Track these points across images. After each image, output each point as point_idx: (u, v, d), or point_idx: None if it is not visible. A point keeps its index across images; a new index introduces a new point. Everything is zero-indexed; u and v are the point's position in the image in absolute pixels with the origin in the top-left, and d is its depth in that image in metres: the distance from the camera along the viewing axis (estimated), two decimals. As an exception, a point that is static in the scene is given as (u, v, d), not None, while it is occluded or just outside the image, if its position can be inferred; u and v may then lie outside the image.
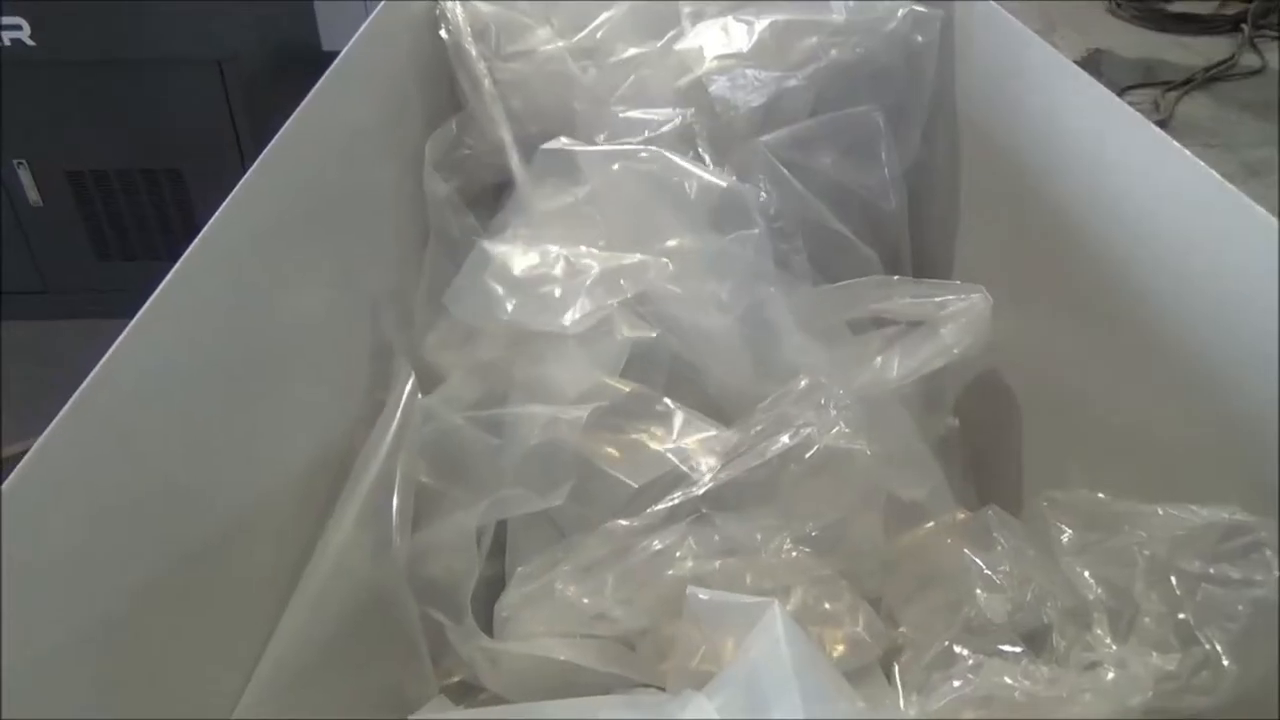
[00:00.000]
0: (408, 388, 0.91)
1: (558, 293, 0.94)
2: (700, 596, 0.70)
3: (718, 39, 1.16)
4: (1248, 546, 0.58)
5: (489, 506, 0.85)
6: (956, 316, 0.90)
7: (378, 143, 1.14)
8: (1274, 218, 0.71)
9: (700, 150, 1.13)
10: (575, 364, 0.92)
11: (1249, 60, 4.39)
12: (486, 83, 1.20)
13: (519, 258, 0.98)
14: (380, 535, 0.82)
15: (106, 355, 0.59)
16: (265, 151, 0.83)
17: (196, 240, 0.71)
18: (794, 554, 0.79)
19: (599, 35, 1.22)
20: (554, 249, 0.98)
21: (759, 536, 0.79)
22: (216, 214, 0.74)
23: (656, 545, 0.79)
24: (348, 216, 1.04)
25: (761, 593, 0.75)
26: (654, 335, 0.95)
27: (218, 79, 1.96)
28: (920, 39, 1.19)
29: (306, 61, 2.59)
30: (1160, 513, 0.64)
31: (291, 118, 0.90)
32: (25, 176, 2.06)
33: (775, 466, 0.81)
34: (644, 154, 1.03)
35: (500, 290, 0.96)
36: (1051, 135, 1.07)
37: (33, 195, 2.08)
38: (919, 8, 1.19)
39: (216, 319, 0.73)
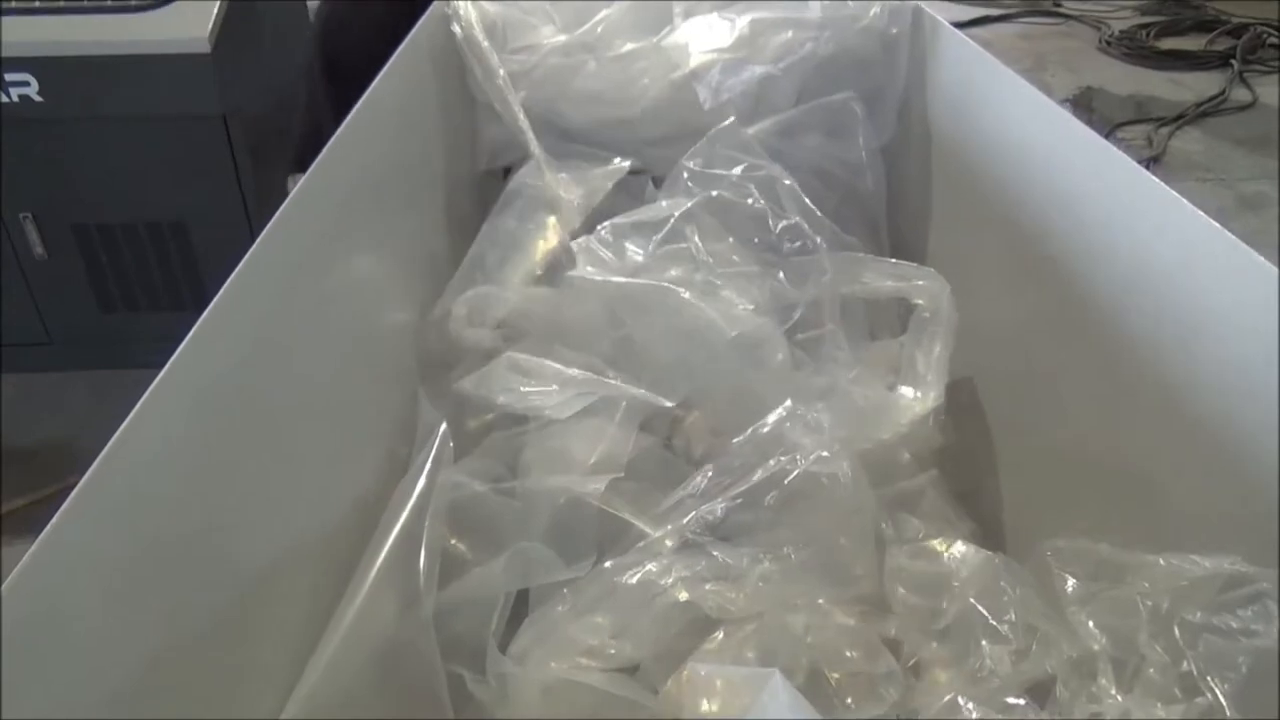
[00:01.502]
0: (434, 449, 0.92)
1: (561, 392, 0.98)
2: (701, 671, 0.71)
3: (704, 35, 1.26)
4: (1249, 597, 0.59)
5: (515, 571, 0.87)
6: (923, 291, 1.00)
7: (399, 180, 1.17)
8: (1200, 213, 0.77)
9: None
10: (588, 436, 0.95)
11: (1240, 95, 4.45)
12: (501, 71, 1.28)
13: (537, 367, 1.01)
14: (407, 593, 0.83)
15: (126, 422, 0.59)
16: (280, 212, 0.84)
17: (212, 303, 0.72)
18: (782, 577, 0.80)
19: (599, 31, 1.32)
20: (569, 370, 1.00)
21: (745, 561, 0.80)
22: (231, 277, 0.75)
23: (646, 574, 0.80)
24: (366, 265, 1.06)
25: (751, 615, 0.76)
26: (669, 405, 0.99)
27: (222, 133, 1.98)
28: (894, 30, 1.31)
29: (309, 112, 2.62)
30: (1162, 563, 0.64)
31: (315, 162, 0.91)
32: (30, 230, 2.08)
33: (760, 493, 0.83)
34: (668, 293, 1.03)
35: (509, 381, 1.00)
36: (1026, 164, 1.10)
37: (37, 249, 2.09)
38: (892, 2, 1.29)
39: (236, 379, 0.74)
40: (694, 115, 1.25)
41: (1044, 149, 1.05)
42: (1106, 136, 3.86)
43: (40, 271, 2.16)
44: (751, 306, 1.02)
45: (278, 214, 0.84)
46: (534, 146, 1.28)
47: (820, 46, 1.25)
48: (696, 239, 1.07)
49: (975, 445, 1.10)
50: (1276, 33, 4.94)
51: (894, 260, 1.07)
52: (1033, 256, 1.05)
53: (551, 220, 1.24)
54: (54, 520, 0.53)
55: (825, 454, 0.83)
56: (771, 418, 0.88)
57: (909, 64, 1.35)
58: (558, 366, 1.01)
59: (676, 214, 1.09)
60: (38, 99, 1.90)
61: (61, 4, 1.91)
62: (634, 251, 1.08)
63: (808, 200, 1.14)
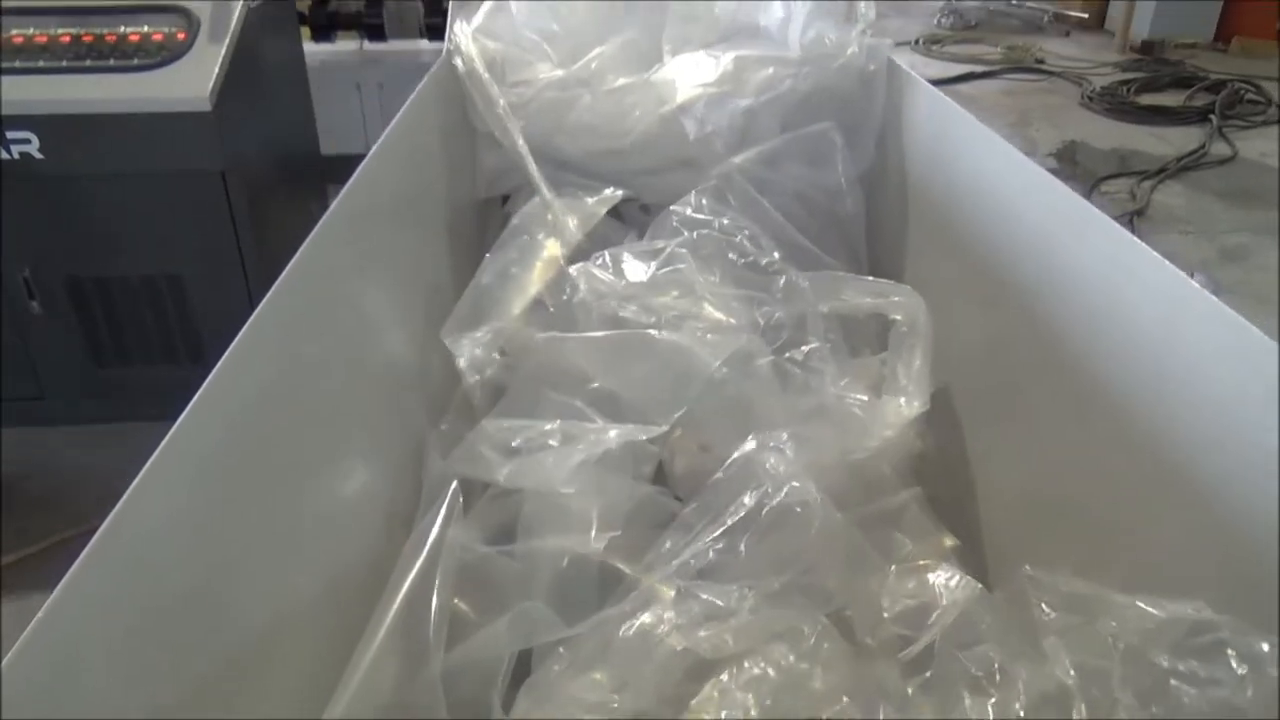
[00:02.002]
0: (443, 508, 0.92)
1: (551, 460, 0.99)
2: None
3: (691, 72, 1.35)
4: (1213, 645, 0.60)
5: (519, 632, 0.87)
6: (908, 303, 1.06)
7: (407, 217, 1.19)
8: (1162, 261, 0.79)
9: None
10: (586, 489, 0.96)
11: (1220, 149, 4.55)
12: (501, 101, 1.36)
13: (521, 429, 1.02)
14: (415, 653, 0.82)
15: (132, 486, 0.60)
16: (282, 276, 0.85)
17: (218, 365, 0.73)
18: (768, 605, 0.82)
19: (593, 66, 1.41)
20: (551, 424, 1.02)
21: (734, 598, 0.82)
22: (236, 340, 0.76)
23: (641, 626, 0.81)
24: (370, 314, 1.07)
25: (745, 651, 0.77)
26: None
27: (220, 188, 2.00)
28: (872, 67, 1.41)
29: (306, 166, 2.65)
30: (1133, 604, 0.66)
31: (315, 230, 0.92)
32: (26, 284, 2.09)
33: (739, 530, 0.85)
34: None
35: (497, 458, 1.01)
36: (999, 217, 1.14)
37: (33, 303, 2.10)
38: (870, 40, 1.38)
39: (241, 441, 0.74)
40: (682, 147, 1.35)
41: (1003, 187, 1.11)
42: (1091, 190, 3.93)
43: (35, 326, 2.16)
44: (734, 322, 1.05)
45: (282, 276, 0.85)
46: (533, 171, 1.34)
47: (799, 82, 1.35)
48: (691, 265, 1.11)
49: (955, 463, 1.14)
50: (1253, 89, 5.07)
51: (871, 278, 1.13)
52: (998, 284, 1.10)
53: (550, 246, 1.27)
54: (62, 583, 0.53)
55: (795, 484, 0.86)
56: (745, 448, 0.91)
57: (886, 102, 1.42)
58: (544, 426, 1.01)
59: (672, 245, 1.14)
60: (38, 156, 1.92)
61: (65, 64, 1.94)
62: (632, 277, 1.11)
63: (791, 227, 1.22)
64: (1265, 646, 0.58)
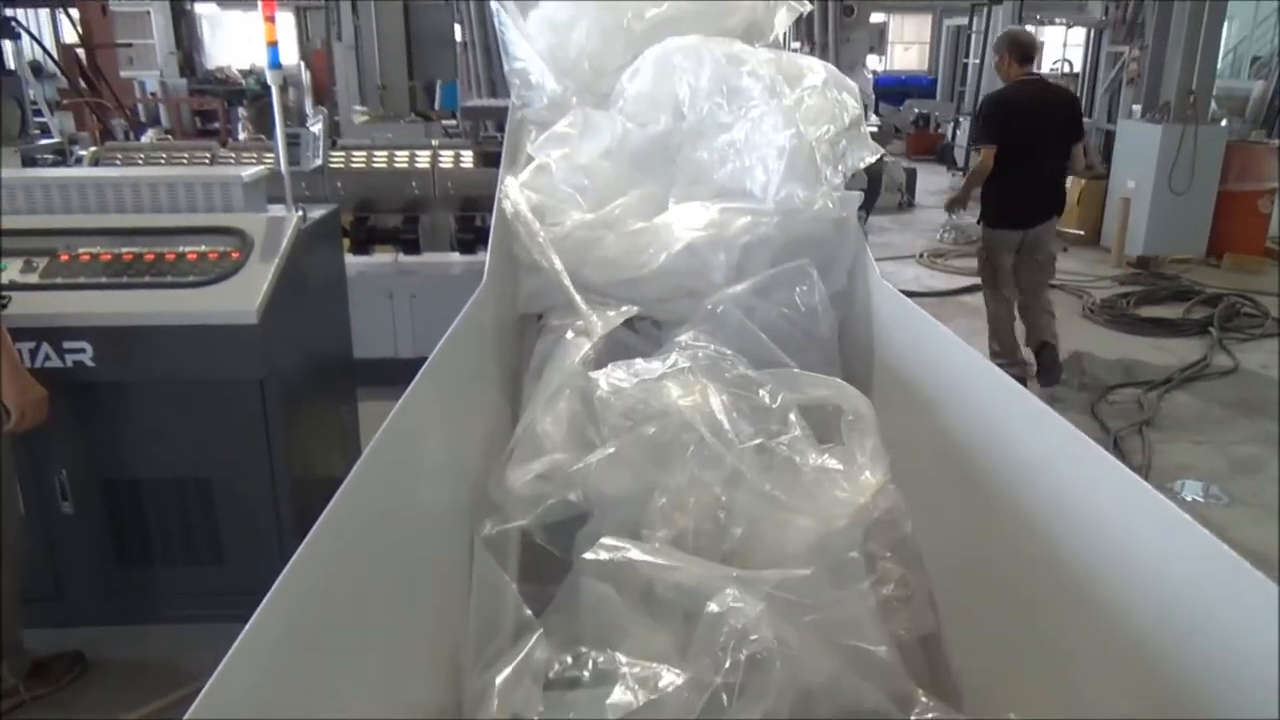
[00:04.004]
0: None
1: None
2: None
3: (688, 218, 1.69)
4: None
5: None
6: (853, 399, 1.31)
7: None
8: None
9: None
10: None
11: (1222, 361, 4.67)
12: (541, 237, 1.67)
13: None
14: None
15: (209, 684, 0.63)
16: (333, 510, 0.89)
17: (290, 564, 0.77)
18: None
19: (615, 213, 1.73)
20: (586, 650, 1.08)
21: None
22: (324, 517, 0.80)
23: None
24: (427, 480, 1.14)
25: None
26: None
27: (258, 395, 2.09)
28: (844, 213, 1.70)
29: (340, 372, 2.75)
30: None
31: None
32: (61, 487, 2.14)
33: (718, 694, 0.94)
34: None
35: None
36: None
37: (65, 504, 2.14)
38: (842, 194, 1.69)
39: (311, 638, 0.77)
40: (687, 278, 1.65)
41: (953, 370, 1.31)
42: (1099, 399, 4.01)
43: (64, 528, 2.19)
44: (731, 416, 1.28)
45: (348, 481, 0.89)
46: (568, 285, 1.60)
47: (774, 230, 1.65)
48: (691, 371, 1.34)
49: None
50: (1248, 303, 5.25)
51: (825, 377, 1.37)
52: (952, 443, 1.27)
53: (580, 355, 1.48)
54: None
55: (754, 637, 0.97)
56: (712, 608, 1.01)
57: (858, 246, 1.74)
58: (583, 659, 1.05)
59: (674, 357, 1.36)
60: (91, 364, 2.02)
61: (125, 279, 2.07)
62: (644, 376, 1.34)
63: (773, 345, 1.51)
64: None
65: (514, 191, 1.76)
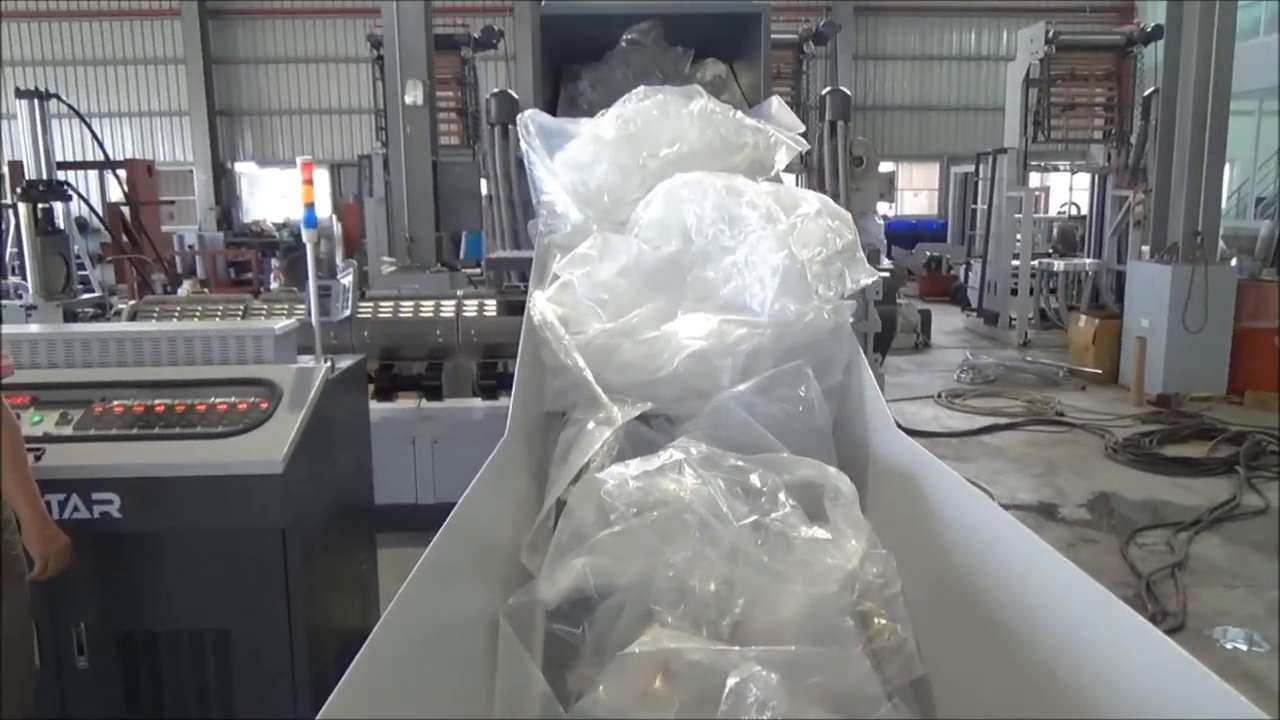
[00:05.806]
0: None
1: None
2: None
3: (691, 328, 1.89)
4: None
5: None
6: (833, 477, 1.51)
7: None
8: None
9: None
10: None
11: (1251, 500, 4.58)
12: (566, 340, 1.88)
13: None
14: None
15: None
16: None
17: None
18: None
19: (633, 322, 1.93)
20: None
21: None
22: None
23: None
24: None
25: None
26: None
27: (279, 544, 2.09)
28: (838, 320, 1.90)
29: (360, 518, 2.76)
30: None
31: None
32: (78, 640, 2.13)
33: None
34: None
35: None
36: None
37: (80, 659, 2.12)
38: (838, 302, 1.87)
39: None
40: (698, 380, 1.83)
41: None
42: (1128, 541, 3.93)
43: (77, 682, 2.17)
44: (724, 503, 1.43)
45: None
46: (591, 380, 1.81)
47: (768, 340, 1.85)
48: (689, 463, 1.50)
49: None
50: (1274, 440, 5.20)
51: (808, 459, 1.55)
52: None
53: (601, 441, 1.69)
54: None
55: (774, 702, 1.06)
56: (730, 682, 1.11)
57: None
58: None
59: (673, 453, 1.50)
60: (117, 515, 2.04)
61: (155, 430, 2.12)
62: (646, 467, 1.49)
63: (772, 437, 1.68)
64: None
65: (541, 303, 1.99)
